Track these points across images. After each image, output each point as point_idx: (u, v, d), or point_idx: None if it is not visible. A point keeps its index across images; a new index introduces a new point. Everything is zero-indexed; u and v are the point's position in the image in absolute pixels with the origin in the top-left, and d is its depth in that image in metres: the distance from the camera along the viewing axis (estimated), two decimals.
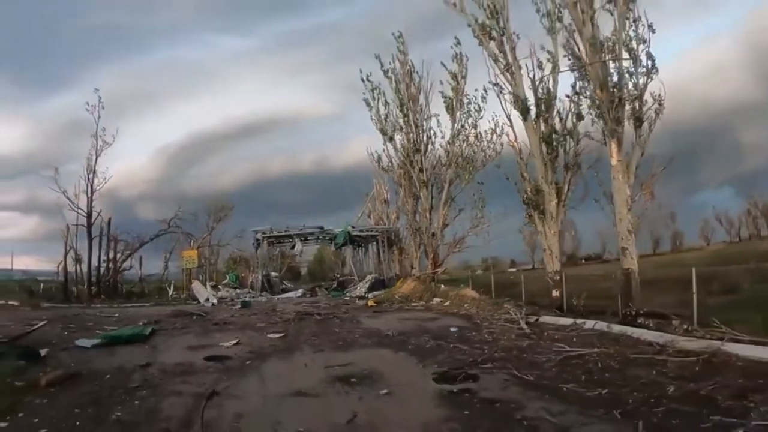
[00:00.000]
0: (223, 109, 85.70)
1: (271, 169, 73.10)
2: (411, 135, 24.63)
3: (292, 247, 30.50)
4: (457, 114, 23.25)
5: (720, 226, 60.71)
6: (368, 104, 25.32)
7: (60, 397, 5.57)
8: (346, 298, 24.18)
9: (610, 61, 11.76)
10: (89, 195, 26.10)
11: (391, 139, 24.72)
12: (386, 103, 25.00)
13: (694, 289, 9.16)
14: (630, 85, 11.72)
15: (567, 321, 10.25)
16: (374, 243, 31.37)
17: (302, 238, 30.26)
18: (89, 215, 26.04)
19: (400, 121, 24.95)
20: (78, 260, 26.96)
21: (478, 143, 23.10)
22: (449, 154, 23.68)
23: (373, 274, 29.23)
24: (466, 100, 22.84)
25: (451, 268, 27.20)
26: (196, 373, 6.84)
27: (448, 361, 7.29)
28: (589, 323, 9.67)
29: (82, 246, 26.64)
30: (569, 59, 12.53)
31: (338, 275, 38.11)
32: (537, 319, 11.06)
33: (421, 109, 24.78)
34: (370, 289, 25.59)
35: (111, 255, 28.00)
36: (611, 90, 11.54)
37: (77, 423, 4.71)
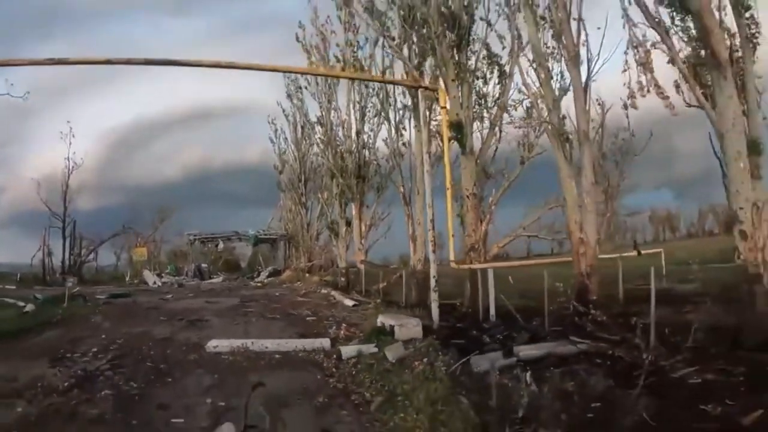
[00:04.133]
0: (169, 95, 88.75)
1: (218, 160, 78.66)
2: (297, 169, 36.30)
3: (216, 246, 41.92)
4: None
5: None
6: (272, 141, 36.96)
7: (109, 306, 17.28)
8: (251, 282, 35.76)
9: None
10: (65, 204, 36.70)
11: (281, 173, 36.54)
12: (285, 139, 36.39)
13: (363, 276, 21.55)
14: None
15: (326, 291, 22.35)
16: (281, 243, 43.33)
17: (224, 239, 41.79)
18: (64, 221, 36.65)
19: (296, 154, 36.50)
20: (50, 254, 37.21)
21: None
22: (323, 185, 35.59)
23: (273, 266, 41.10)
24: None
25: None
26: (151, 302, 18.68)
27: (253, 300, 19.31)
28: (334, 292, 21.73)
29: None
30: None
31: (259, 267, 49.59)
32: (320, 291, 23.17)
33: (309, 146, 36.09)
34: (269, 276, 37.37)
35: (77, 250, 38.59)
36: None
37: (122, 310, 16.47)
